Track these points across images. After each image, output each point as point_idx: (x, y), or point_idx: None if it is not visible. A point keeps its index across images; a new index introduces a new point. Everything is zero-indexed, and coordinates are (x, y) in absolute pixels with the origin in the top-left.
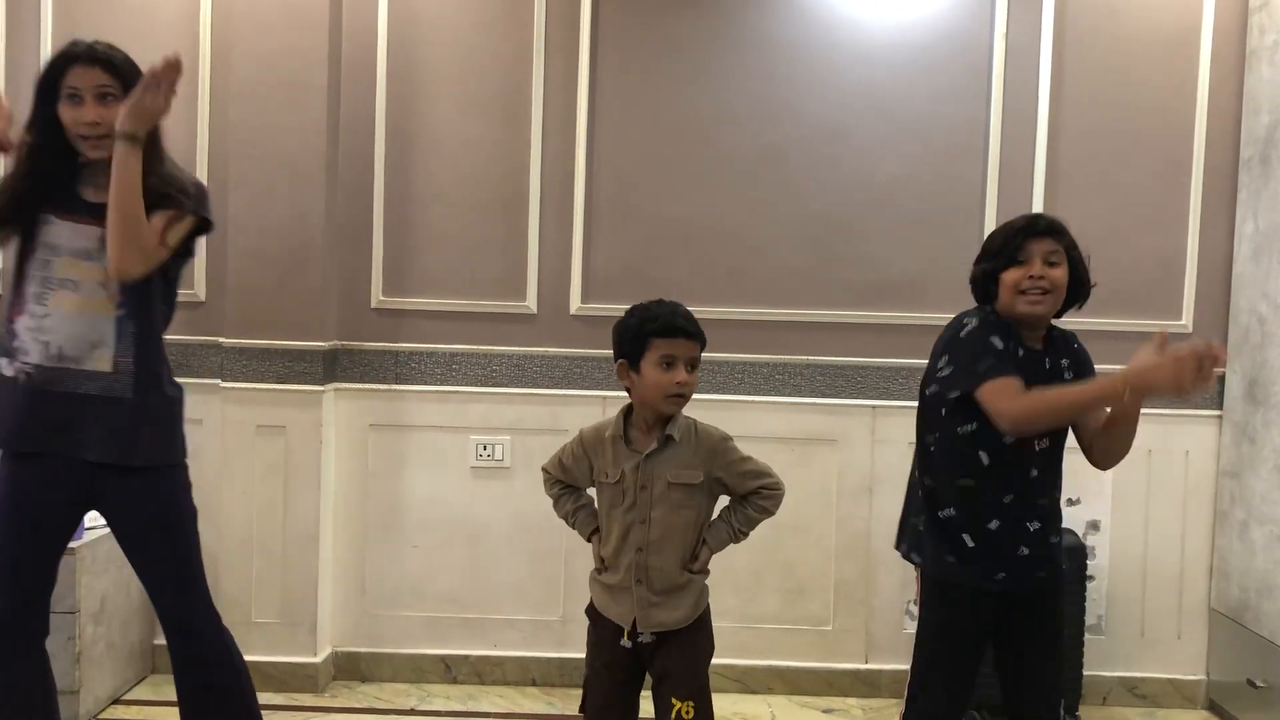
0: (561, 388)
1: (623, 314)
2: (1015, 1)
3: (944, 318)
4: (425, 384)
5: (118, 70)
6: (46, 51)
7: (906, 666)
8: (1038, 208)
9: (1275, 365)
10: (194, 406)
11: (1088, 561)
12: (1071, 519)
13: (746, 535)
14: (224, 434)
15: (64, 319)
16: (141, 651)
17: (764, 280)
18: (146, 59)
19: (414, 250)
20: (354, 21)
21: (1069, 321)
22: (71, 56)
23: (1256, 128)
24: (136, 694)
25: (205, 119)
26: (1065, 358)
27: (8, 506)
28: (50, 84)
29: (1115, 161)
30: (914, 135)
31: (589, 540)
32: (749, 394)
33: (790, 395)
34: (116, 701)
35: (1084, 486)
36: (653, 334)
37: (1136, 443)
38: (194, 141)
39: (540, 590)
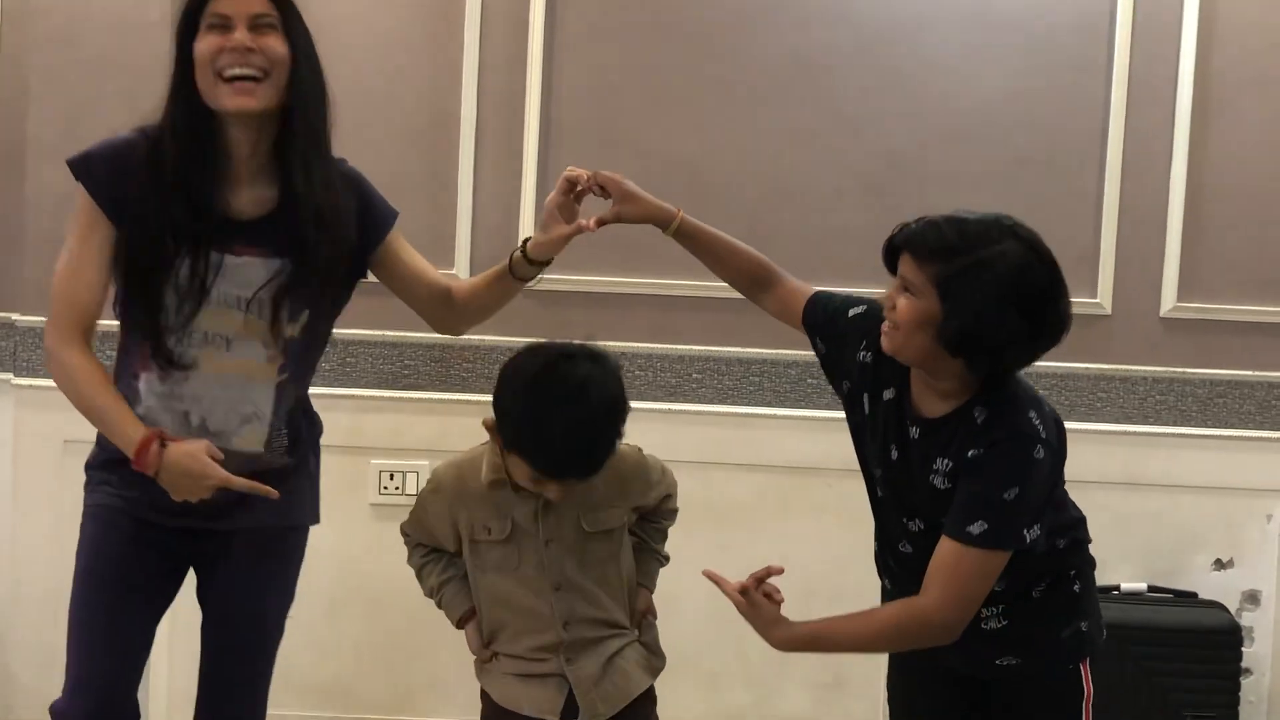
0: None
1: (515, 353)
2: None
3: None
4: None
5: None
6: None
7: None
8: (1180, 150)
9: None
10: None
11: (1243, 650)
12: (1222, 588)
13: (668, 557)
14: (17, 450)
15: (209, 384)
16: None
17: (799, 245)
18: None
19: None
20: None
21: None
22: None
23: None
24: None
25: None
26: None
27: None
28: (190, 21)
29: None
30: (1009, 43)
31: (459, 625)
32: (770, 405)
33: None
34: None
35: (1239, 543)
36: (526, 457)
37: None
38: None
39: (468, 680)
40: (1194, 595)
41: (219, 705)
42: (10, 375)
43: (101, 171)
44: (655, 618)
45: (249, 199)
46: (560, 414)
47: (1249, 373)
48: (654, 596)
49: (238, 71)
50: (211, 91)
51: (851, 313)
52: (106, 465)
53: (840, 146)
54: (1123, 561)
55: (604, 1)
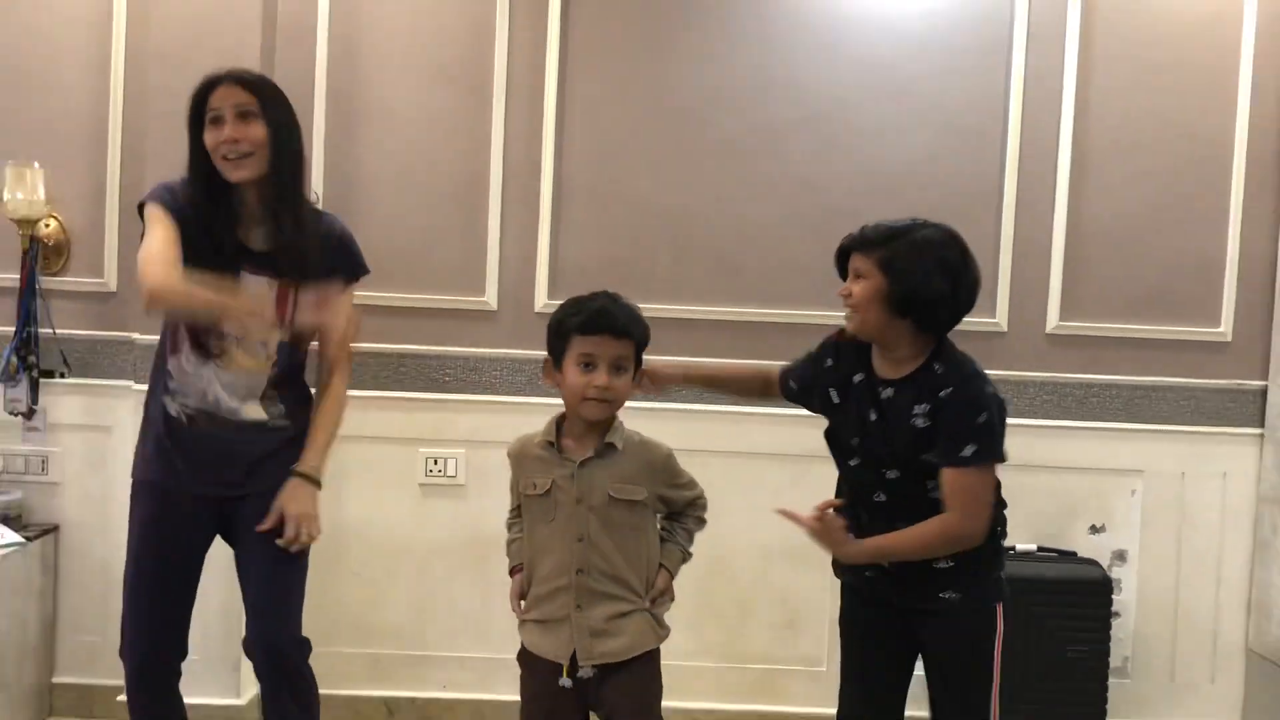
0: (524, 394)
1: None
2: None
3: None
4: (368, 388)
5: (258, 89)
6: None
7: (920, 713)
8: (1062, 199)
9: None
10: (103, 412)
11: (1113, 597)
12: (1096, 548)
13: (691, 554)
14: None
15: (225, 371)
16: (38, 692)
17: (758, 277)
18: (57, 16)
19: (357, 236)
20: None
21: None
22: (213, 81)
23: None
24: None
25: (120, 83)
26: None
27: (148, 545)
28: (197, 113)
29: (1148, 149)
30: (926, 117)
31: (511, 575)
32: (738, 404)
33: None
34: None
35: (1109, 512)
36: (573, 330)
37: (1169, 464)
38: (106, 108)
39: (497, 624)
40: (1074, 554)
41: (260, 624)
42: (131, 382)
43: (168, 197)
44: (672, 600)
45: (257, 235)
46: (595, 297)
47: (1118, 377)
48: None
49: (231, 154)
50: (220, 167)
51: (813, 350)
52: (148, 452)
53: (792, 199)
54: (1017, 528)
55: (604, 85)
